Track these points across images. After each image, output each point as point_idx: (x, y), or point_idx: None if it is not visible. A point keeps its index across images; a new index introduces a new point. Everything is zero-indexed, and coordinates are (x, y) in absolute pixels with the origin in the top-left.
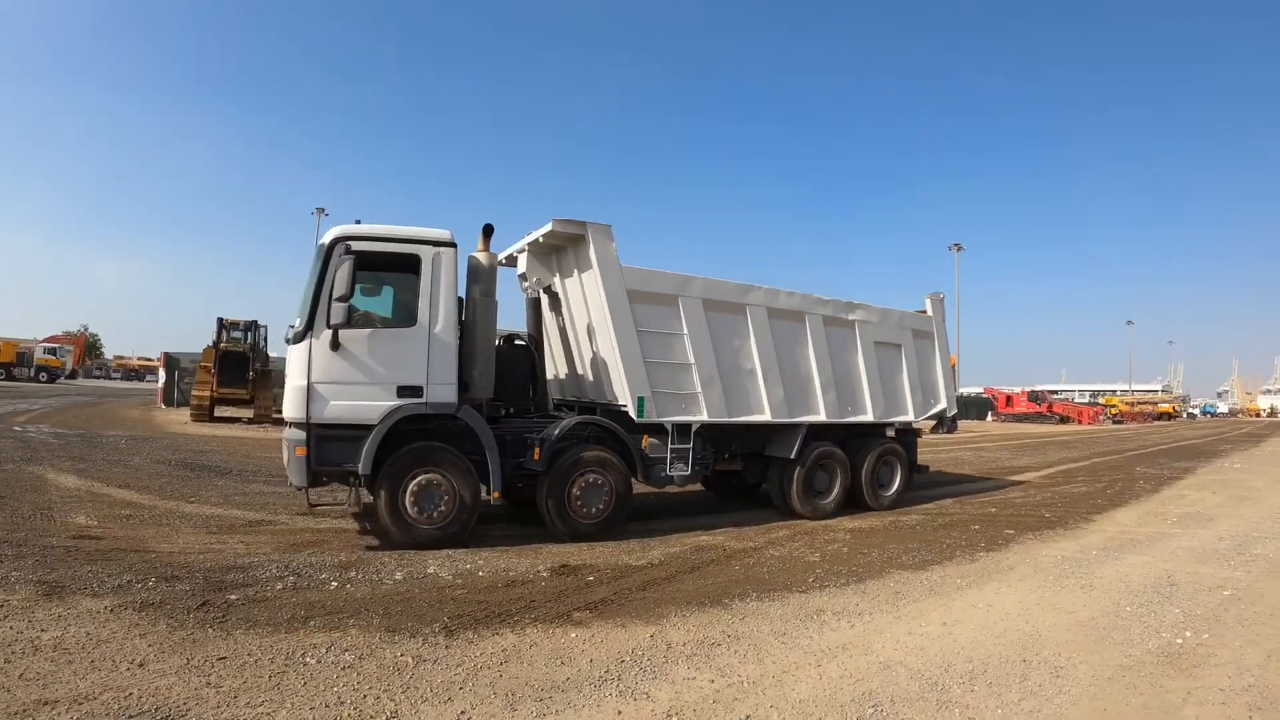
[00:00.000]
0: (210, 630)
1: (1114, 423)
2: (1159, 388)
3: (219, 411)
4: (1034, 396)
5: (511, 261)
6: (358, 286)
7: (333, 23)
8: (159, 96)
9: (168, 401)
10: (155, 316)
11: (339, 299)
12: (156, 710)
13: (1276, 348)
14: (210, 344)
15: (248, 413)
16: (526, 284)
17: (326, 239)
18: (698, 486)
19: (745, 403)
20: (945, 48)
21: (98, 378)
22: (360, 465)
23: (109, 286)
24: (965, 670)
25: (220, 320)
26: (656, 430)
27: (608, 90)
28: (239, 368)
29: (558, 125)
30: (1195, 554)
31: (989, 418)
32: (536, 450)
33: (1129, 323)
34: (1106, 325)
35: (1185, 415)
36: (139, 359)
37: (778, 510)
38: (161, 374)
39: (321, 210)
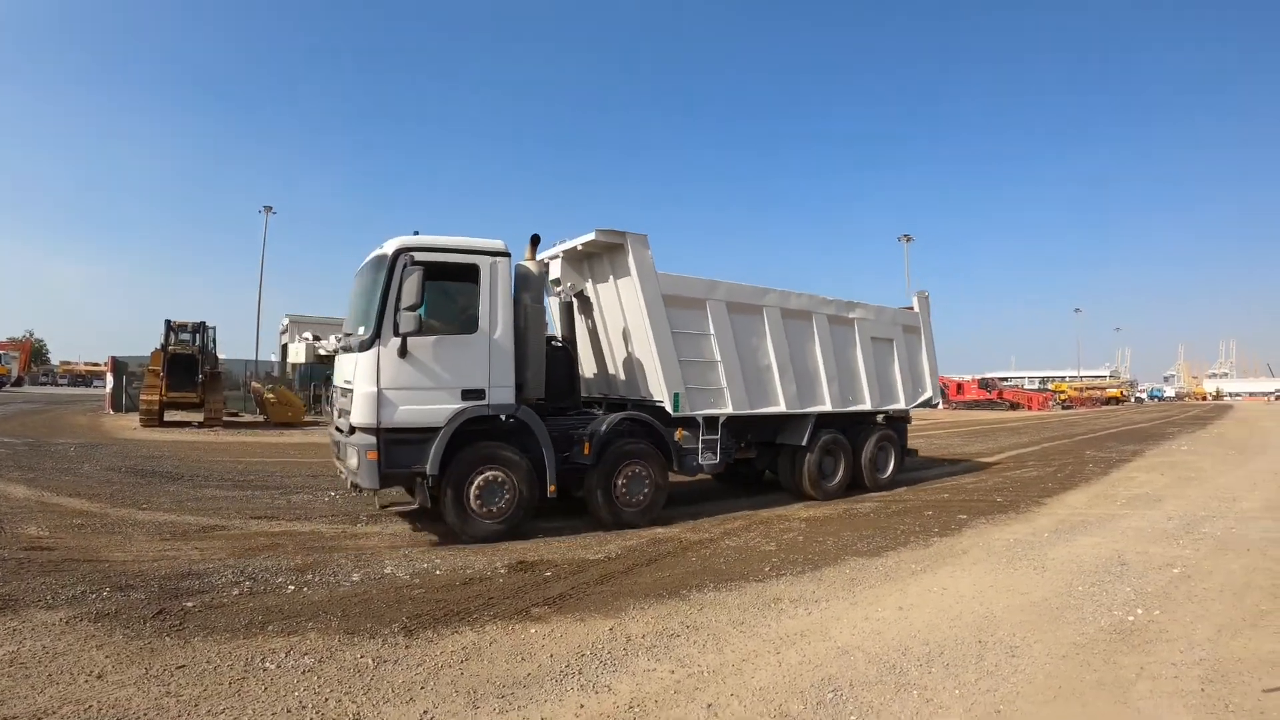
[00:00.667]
0: (168, 639)
1: (1063, 408)
2: (1107, 373)
3: (168, 416)
4: (984, 383)
5: (543, 267)
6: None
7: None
8: (104, 100)
9: (116, 407)
10: (102, 320)
11: (409, 308)
12: None
13: (1221, 332)
14: (158, 347)
15: (198, 416)
16: (560, 289)
17: (388, 249)
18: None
19: (764, 395)
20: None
21: (44, 384)
22: (429, 465)
23: (54, 291)
24: (922, 653)
25: (168, 322)
26: (688, 423)
27: (607, 89)
28: (188, 371)
29: (556, 125)
30: (1144, 534)
31: (940, 405)
32: (586, 445)
33: (1077, 310)
34: (1055, 313)
35: (1133, 400)
36: (86, 364)
37: (734, 502)
38: (109, 379)
39: (269, 208)
